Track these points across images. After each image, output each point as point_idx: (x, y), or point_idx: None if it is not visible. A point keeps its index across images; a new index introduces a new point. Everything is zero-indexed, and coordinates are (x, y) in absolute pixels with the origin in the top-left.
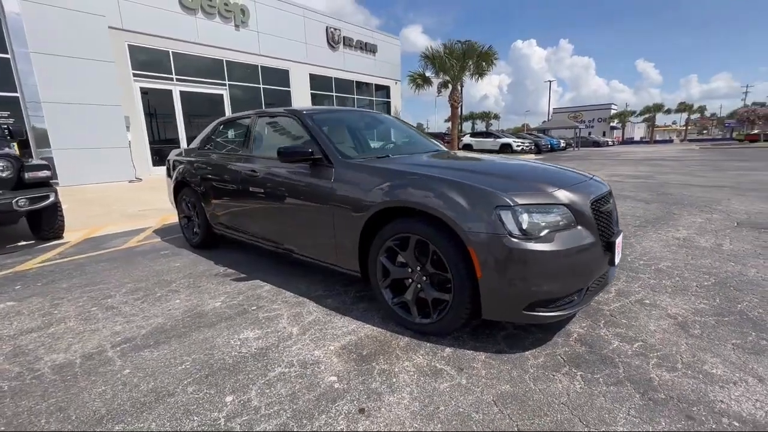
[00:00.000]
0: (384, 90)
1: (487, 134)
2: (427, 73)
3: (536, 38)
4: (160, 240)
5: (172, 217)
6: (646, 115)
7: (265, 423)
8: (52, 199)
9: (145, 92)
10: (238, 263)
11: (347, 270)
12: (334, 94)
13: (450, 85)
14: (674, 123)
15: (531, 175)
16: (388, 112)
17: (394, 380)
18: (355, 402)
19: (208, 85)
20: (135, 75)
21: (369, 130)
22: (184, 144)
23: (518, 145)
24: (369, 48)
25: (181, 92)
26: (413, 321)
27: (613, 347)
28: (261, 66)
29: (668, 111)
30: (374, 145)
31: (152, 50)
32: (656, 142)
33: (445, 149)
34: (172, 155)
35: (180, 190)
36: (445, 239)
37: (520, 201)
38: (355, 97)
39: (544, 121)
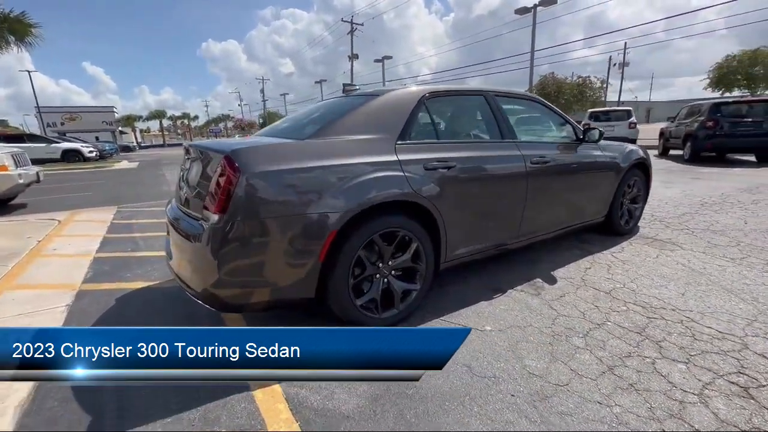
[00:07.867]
0: None
1: (31, 137)
2: None
3: None
4: None
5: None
6: (151, 121)
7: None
8: None
9: None
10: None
11: (593, 221)
12: None
13: None
14: (148, 129)
15: None
16: None
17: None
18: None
19: None
20: None
21: None
22: None
23: (91, 152)
24: None
25: None
26: (626, 228)
27: None
28: None
29: (171, 117)
30: None
31: None
32: (170, 145)
33: None
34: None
35: (354, 230)
36: (645, 175)
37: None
38: None
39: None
